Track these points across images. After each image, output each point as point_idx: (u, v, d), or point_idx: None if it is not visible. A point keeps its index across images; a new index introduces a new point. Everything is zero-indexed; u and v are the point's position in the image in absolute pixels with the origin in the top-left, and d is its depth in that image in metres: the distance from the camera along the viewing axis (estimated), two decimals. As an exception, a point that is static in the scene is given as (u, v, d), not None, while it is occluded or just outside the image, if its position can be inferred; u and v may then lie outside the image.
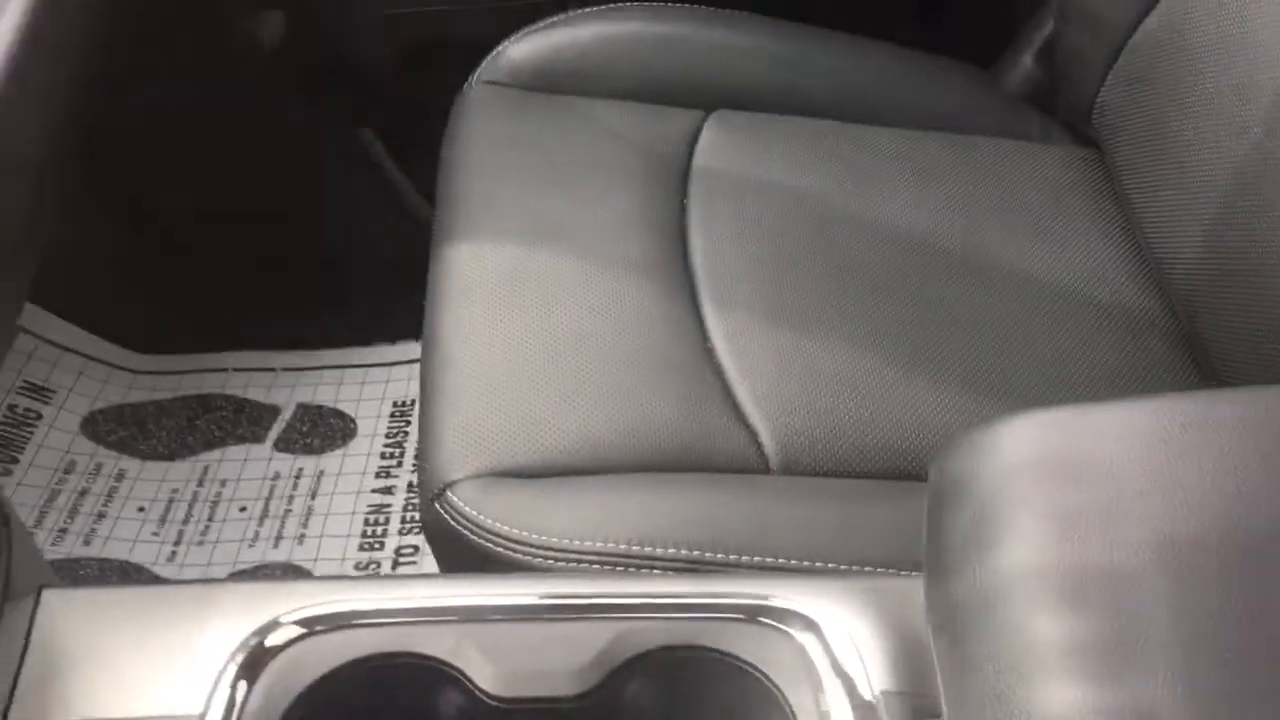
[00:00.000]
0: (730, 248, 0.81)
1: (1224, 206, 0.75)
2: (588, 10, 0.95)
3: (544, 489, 0.67)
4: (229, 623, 0.50)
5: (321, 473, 1.16)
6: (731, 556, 0.63)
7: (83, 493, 1.13)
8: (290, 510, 1.12)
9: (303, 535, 1.10)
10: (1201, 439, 0.41)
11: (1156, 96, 0.82)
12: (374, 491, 1.14)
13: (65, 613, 0.51)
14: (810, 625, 0.49)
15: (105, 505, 1.13)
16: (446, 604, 0.51)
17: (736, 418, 0.72)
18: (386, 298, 1.15)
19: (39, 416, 1.18)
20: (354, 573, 1.07)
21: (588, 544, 0.64)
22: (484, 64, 0.94)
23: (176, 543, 1.10)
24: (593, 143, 0.88)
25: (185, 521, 1.12)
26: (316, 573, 1.06)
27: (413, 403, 1.22)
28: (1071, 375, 0.77)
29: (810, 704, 0.47)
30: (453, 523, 0.67)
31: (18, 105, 0.65)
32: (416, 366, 1.24)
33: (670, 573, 0.63)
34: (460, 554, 0.67)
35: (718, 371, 0.74)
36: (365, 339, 1.26)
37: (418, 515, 1.12)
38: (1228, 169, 0.74)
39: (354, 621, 0.50)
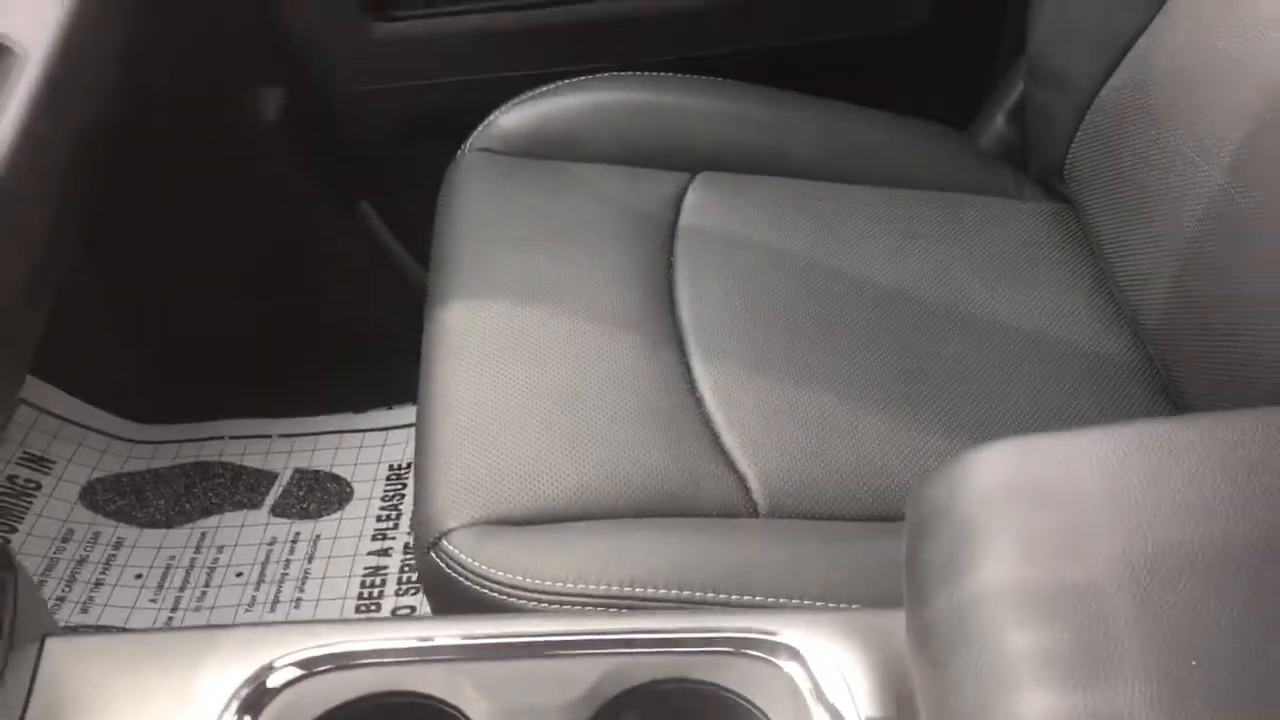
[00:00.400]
0: (717, 302, 0.84)
1: (1192, 258, 0.77)
2: (575, 80, 0.98)
3: (537, 536, 0.69)
4: (229, 665, 0.51)
5: (318, 536, 1.17)
6: (721, 595, 0.64)
7: (81, 561, 1.14)
8: (287, 574, 1.13)
9: (299, 599, 1.11)
10: (1170, 460, 0.43)
11: (1123, 152, 0.85)
12: (370, 554, 1.15)
13: (69, 659, 0.52)
14: (796, 656, 0.50)
15: (103, 573, 1.13)
16: (441, 643, 0.52)
17: (725, 464, 0.74)
18: (382, 364, 1.17)
19: (38, 487, 1.19)
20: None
21: (580, 586, 0.65)
22: (476, 132, 0.97)
23: (174, 608, 1.11)
24: (582, 205, 0.91)
25: (182, 588, 1.12)
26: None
27: (408, 466, 1.23)
28: (1050, 420, 0.79)
29: (798, 732, 0.48)
30: (448, 570, 0.68)
31: (28, 180, 0.68)
32: (412, 430, 1.26)
33: (660, 612, 0.64)
34: (456, 601, 0.68)
35: (706, 420, 0.76)
36: (361, 405, 1.28)
37: (414, 577, 1.13)
38: (1193, 222, 0.77)
39: (352, 662, 0.51)
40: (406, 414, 1.27)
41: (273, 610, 1.10)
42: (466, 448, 0.73)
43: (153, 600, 1.12)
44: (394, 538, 1.17)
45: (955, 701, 0.41)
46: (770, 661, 0.50)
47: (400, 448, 1.25)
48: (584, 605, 0.65)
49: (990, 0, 1.12)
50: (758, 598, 0.64)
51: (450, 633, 0.53)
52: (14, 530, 1.15)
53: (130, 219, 1.12)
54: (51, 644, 0.53)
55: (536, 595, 0.65)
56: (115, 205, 1.05)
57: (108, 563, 1.14)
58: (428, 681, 0.50)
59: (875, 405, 0.77)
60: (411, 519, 1.03)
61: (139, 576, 1.13)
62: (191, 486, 1.21)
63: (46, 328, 0.72)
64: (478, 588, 0.67)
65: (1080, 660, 0.38)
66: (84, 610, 1.10)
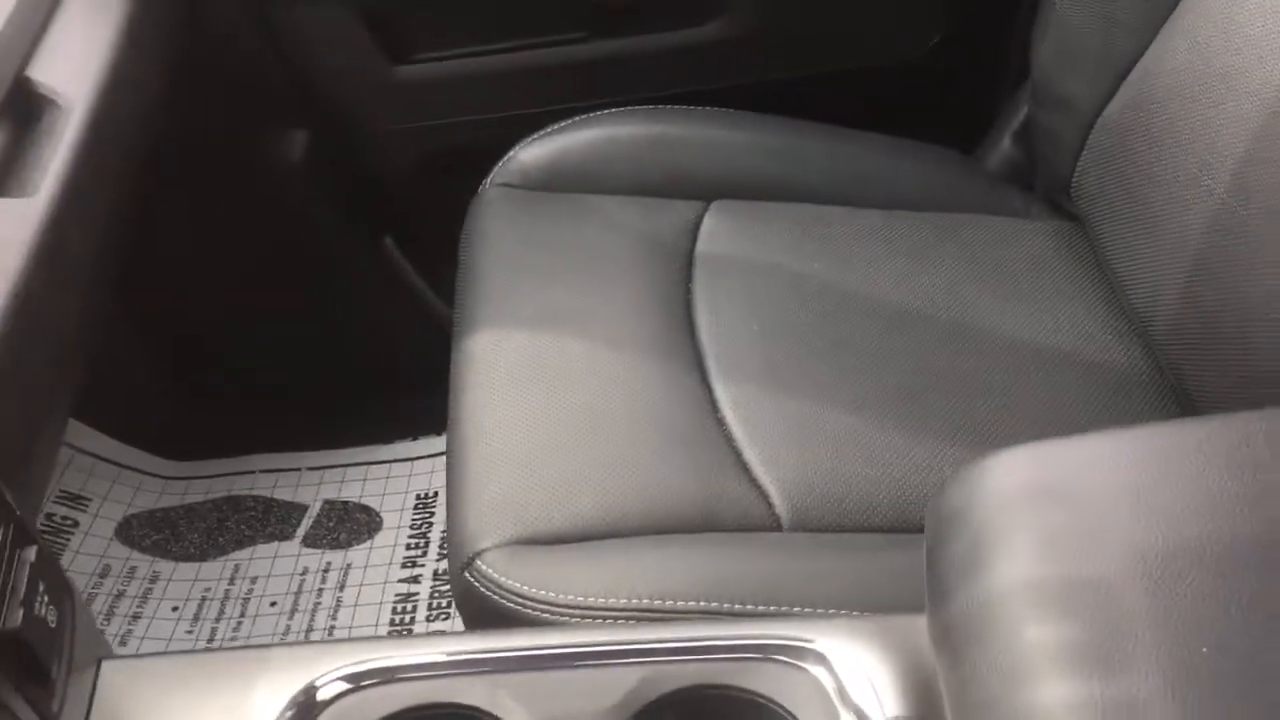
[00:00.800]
0: (735, 325, 0.86)
1: (1198, 267, 0.79)
2: (590, 115, 1.01)
3: (567, 553, 0.71)
4: (279, 681, 0.53)
5: (349, 565, 1.19)
6: (747, 606, 0.66)
7: (119, 595, 1.16)
8: (319, 603, 1.15)
9: (332, 626, 1.13)
10: (1178, 460, 0.45)
11: (1128, 169, 0.87)
12: (400, 581, 1.17)
13: (124, 682, 0.54)
14: (822, 660, 0.52)
15: (140, 606, 1.16)
16: (481, 656, 0.54)
17: (748, 480, 0.76)
18: (408, 396, 1.19)
19: (75, 524, 1.21)
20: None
21: (609, 600, 0.67)
22: (496, 169, 1.00)
23: (210, 639, 1.13)
24: (601, 235, 0.93)
25: (218, 618, 1.15)
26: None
27: (435, 495, 1.25)
28: (1063, 429, 0.79)
29: (826, 732, 0.50)
30: (482, 589, 0.70)
31: (76, 224, 0.70)
32: (438, 460, 1.28)
33: (689, 621, 0.66)
34: (490, 618, 0.70)
35: (728, 438, 0.78)
36: (387, 436, 1.30)
37: (444, 603, 1.15)
38: (1198, 233, 0.79)
39: (396, 676, 0.53)
40: (432, 444, 1.29)
41: (307, 639, 1.12)
42: (497, 471, 0.75)
43: (189, 631, 1.14)
44: (423, 565, 1.19)
45: (977, 694, 0.43)
46: (798, 666, 0.52)
47: (426, 477, 1.27)
48: (614, 618, 0.67)
49: (994, 28, 1.15)
50: (783, 608, 0.66)
51: (488, 646, 0.55)
52: (53, 567, 1.17)
53: (161, 260, 1.14)
54: (107, 667, 0.55)
55: (567, 610, 0.67)
56: (146, 246, 1.07)
57: (144, 596, 1.17)
58: (469, 693, 0.52)
59: (891, 421, 0.79)
60: (445, 541, 1.05)
61: (175, 609, 1.16)
62: (224, 520, 1.24)
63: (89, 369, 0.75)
64: (511, 604, 0.69)
65: (1096, 651, 0.40)
66: (122, 643, 1.12)
